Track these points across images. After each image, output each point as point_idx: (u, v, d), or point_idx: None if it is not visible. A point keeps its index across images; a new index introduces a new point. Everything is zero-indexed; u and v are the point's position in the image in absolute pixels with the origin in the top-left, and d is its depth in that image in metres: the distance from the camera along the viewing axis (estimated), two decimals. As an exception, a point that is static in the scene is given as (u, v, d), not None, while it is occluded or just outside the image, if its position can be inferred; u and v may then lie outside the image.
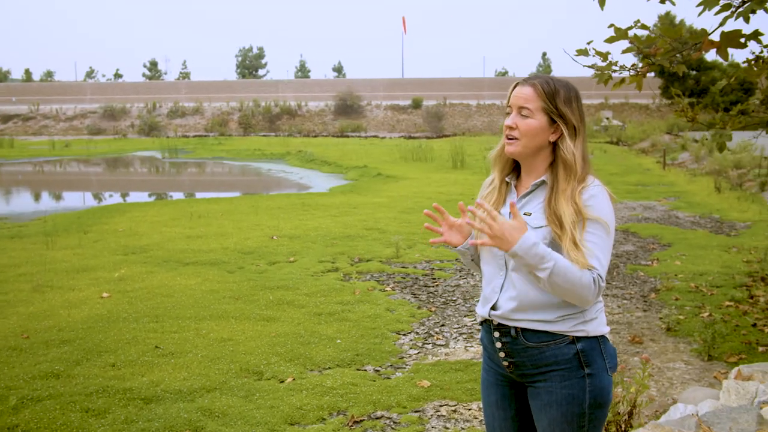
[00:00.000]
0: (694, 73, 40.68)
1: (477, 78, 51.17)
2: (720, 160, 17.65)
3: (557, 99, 2.15)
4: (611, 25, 3.82)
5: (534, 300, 2.12)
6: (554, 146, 2.20)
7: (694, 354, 5.18)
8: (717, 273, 7.52)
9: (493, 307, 2.21)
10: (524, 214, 2.18)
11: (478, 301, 2.19)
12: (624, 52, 3.91)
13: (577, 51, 3.87)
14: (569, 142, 2.16)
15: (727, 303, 6.34)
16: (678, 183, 16.50)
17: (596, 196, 2.12)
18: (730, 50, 3.96)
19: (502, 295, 2.19)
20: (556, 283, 2.03)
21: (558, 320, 2.12)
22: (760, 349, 5.14)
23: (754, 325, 5.69)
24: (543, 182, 2.20)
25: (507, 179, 2.29)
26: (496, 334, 2.21)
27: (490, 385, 2.32)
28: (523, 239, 2.01)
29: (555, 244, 2.10)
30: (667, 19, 43.79)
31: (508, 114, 2.22)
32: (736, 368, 3.88)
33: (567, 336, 2.13)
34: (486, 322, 2.27)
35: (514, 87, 2.22)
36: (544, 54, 72.82)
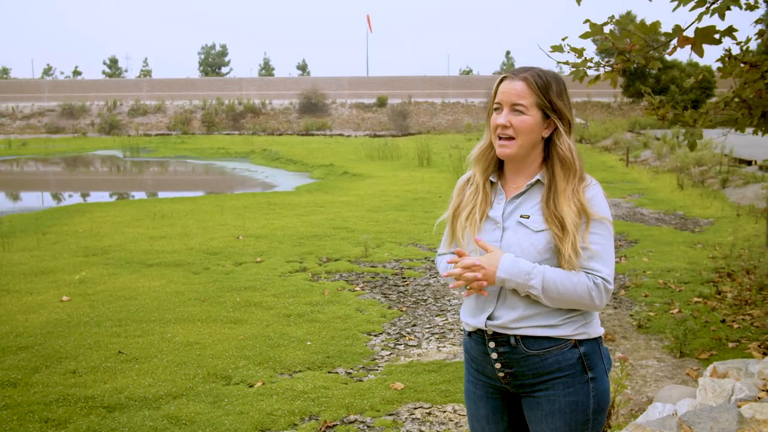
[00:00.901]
0: (654, 71, 41.33)
1: (442, 76, 51.27)
2: (681, 158, 17.89)
3: (550, 92, 2.03)
4: (586, 21, 3.78)
5: (538, 306, 2.00)
6: (546, 143, 2.09)
7: (666, 351, 5.18)
8: (684, 269, 7.58)
9: (490, 317, 2.06)
10: (521, 216, 2.05)
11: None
12: (599, 48, 3.87)
13: (551, 47, 3.81)
14: (565, 138, 2.04)
15: (696, 299, 6.38)
16: (641, 180, 16.69)
17: (597, 195, 2.02)
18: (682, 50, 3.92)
19: (501, 304, 2.05)
20: (552, 297, 1.95)
21: (561, 324, 2.01)
22: (730, 345, 5.16)
23: (723, 321, 5.72)
24: (538, 181, 2.07)
25: (492, 179, 2.15)
26: (492, 345, 2.07)
27: (479, 398, 2.18)
28: (503, 261, 1.95)
29: (556, 249, 1.99)
30: (627, 19, 44.31)
31: (497, 111, 2.07)
32: (711, 366, 3.86)
33: (569, 340, 2.02)
34: (476, 332, 2.12)
35: (501, 82, 2.08)
36: (508, 53, 73.33)
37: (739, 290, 6.53)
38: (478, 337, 2.12)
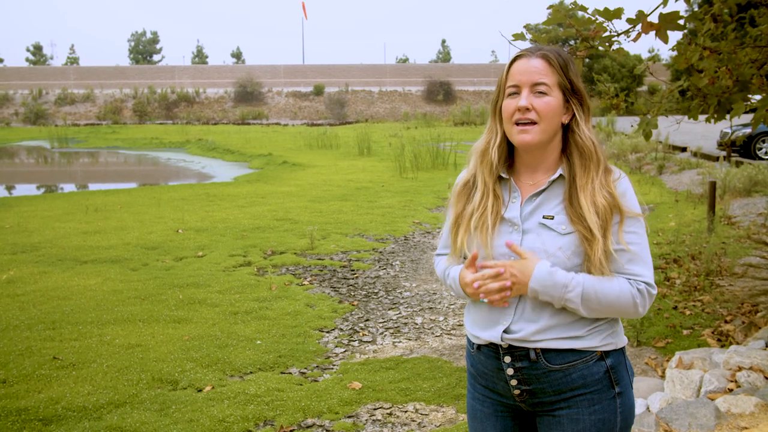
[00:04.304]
0: (587, 60, 42.18)
1: (379, 64, 51.10)
2: (618, 144, 18.23)
3: (570, 72, 1.82)
4: (550, 7, 3.66)
5: (561, 316, 1.80)
6: (563, 131, 1.87)
7: (623, 340, 5.15)
8: (631, 256, 7.61)
9: (507, 330, 1.84)
10: (544, 217, 1.82)
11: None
12: (563, 35, 3.76)
13: (513, 35, 3.67)
14: (584, 126, 1.83)
15: (646, 286, 6.40)
16: (580, 167, 16.90)
17: (629, 190, 1.82)
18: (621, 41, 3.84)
19: (519, 316, 1.83)
20: (592, 308, 1.75)
21: (587, 334, 1.81)
22: (685, 332, 5.17)
23: (675, 308, 5.75)
24: (560, 176, 1.84)
25: (502, 175, 1.90)
26: (507, 359, 1.85)
27: (487, 416, 1.96)
28: (537, 270, 1.73)
29: (585, 253, 1.78)
30: (561, 8, 44.81)
31: (513, 95, 1.83)
32: (676, 356, 3.82)
33: (595, 352, 1.82)
34: (488, 346, 1.89)
35: (514, 61, 1.85)
36: (444, 41, 73.61)
37: (687, 276, 6.59)
38: (489, 351, 1.89)
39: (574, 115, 1.84)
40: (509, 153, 1.92)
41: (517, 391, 1.87)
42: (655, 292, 1.80)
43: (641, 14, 3.55)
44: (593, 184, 1.79)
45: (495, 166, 1.89)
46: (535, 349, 1.82)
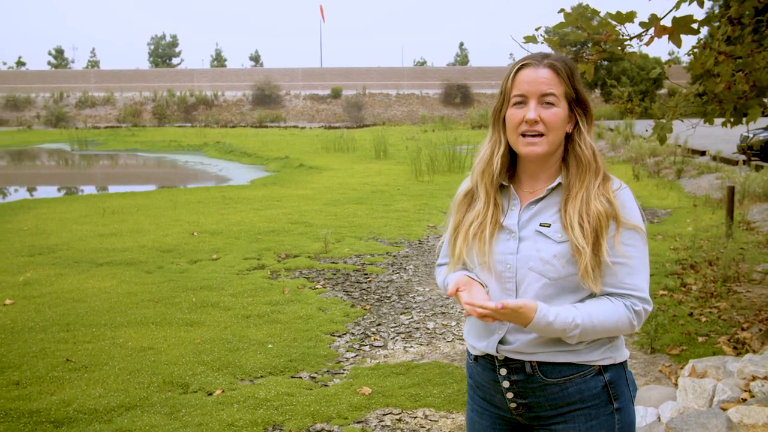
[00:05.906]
0: (606, 63, 41.87)
1: (396, 67, 51.14)
2: (636, 148, 18.08)
3: (575, 81, 1.79)
4: (561, 10, 3.62)
5: None
6: (565, 140, 1.84)
7: (637, 347, 5.09)
8: (647, 261, 7.53)
9: (502, 341, 1.81)
10: (540, 225, 1.79)
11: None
12: (575, 38, 3.72)
13: (525, 38, 3.64)
14: (586, 135, 1.80)
15: (662, 292, 6.33)
16: (598, 171, 16.76)
17: (629, 201, 1.78)
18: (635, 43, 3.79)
19: (514, 326, 1.79)
20: (589, 339, 1.75)
21: (585, 348, 1.78)
22: (700, 339, 5.10)
23: (691, 314, 5.67)
24: (559, 185, 1.81)
25: (503, 183, 1.87)
26: (503, 372, 1.82)
27: (485, 429, 1.95)
28: (536, 321, 1.69)
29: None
30: (573, 12, 44.41)
31: (519, 105, 1.79)
32: (689, 364, 3.77)
33: (593, 366, 1.79)
34: (484, 357, 1.87)
35: (519, 69, 1.80)
36: (462, 44, 73.51)
37: (704, 282, 6.50)
38: (486, 362, 1.87)
39: (576, 123, 1.81)
40: (512, 162, 1.90)
41: (513, 405, 1.85)
42: (650, 307, 1.77)
43: (654, 18, 3.51)
44: (587, 192, 1.76)
45: (498, 175, 1.86)
46: (530, 362, 1.79)
